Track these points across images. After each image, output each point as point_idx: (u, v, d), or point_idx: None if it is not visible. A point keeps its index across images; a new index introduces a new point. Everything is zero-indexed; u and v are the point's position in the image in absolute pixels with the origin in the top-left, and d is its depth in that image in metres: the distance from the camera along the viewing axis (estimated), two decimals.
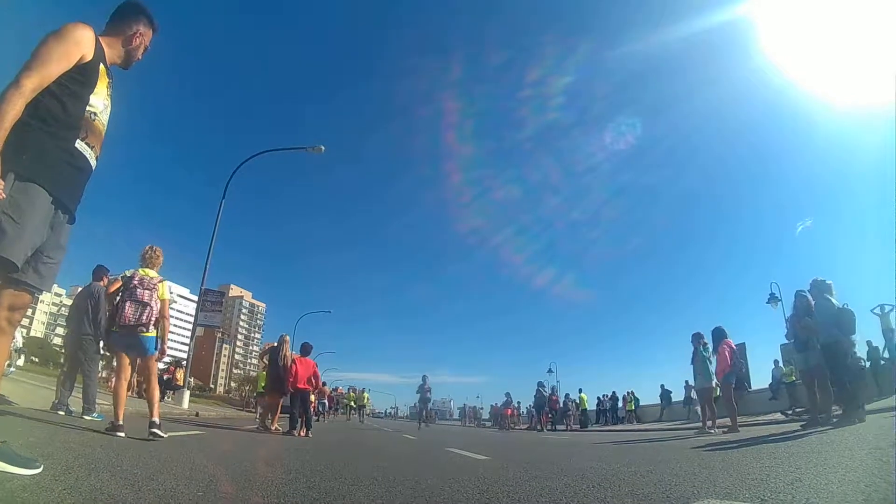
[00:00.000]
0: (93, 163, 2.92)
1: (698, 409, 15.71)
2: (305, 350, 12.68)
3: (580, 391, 32.32)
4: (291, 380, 11.91)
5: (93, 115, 2.85)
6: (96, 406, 8.78)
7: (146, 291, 6.36)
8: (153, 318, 6.32)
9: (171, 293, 6.80)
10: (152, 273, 6.64)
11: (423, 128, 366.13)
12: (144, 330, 6.26)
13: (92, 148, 2.87)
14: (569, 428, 28.74)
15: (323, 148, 24.54)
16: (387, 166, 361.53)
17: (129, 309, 6.25)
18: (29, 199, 2.54)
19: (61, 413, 8.17)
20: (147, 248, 6.88)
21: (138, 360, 6.55)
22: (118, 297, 6.47)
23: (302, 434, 11.10)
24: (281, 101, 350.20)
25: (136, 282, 6.41)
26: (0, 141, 2.34)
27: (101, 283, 9.26)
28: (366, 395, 38.80)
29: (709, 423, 12.51)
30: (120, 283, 6.62)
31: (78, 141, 2.78)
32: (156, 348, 6.50)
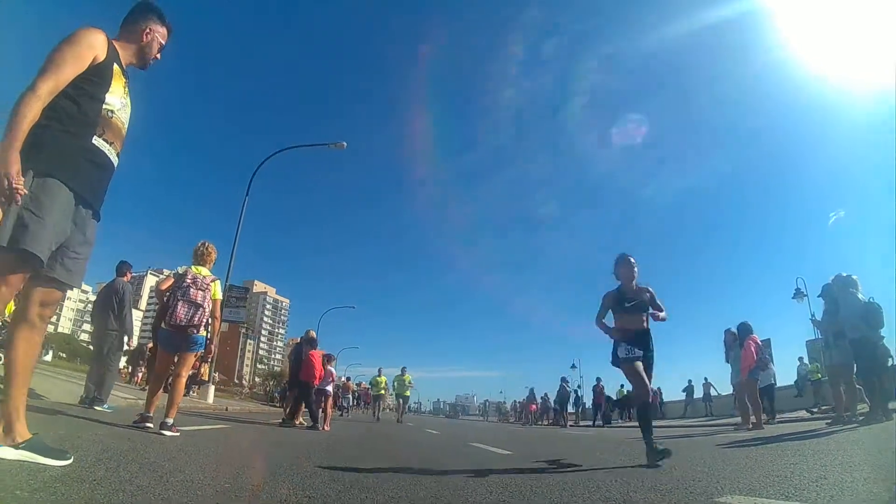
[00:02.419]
0: (113, 159, 2.97)
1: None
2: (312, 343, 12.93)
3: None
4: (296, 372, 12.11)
5: (110, 113, 2.91)
6: (109, 398, 8.85)
7: (199, 292, 6.20)
8: (205, 320, 6.22)
9: (222, 293, 6.62)
10: (205, 271, 6.53)
11: (458, 115, 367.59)
12: (195, 331, 6.23)
13: (111, 144, 2.93)
14: (594, 423, 28.46)
15: (345, 144, 24.52)
16: (409, 162, 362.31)
17: (181, 309, 6.08)
18: (48, 193, 2.61)
19: (98, 408, 8.29)
20: (200, 244, 6.77)
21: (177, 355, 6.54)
22: (169, 295, 6.42)
23: (326, 428, 11.21)
24: (304, 98, 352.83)
25: (189, 280, 6.23)
26: (18, 141, 2.42)
27: (125, 279, 9.37)
28: (407, 377, 23.96)
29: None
30: (172, 281, 6.45)
31: (95, 138, 2.84)
32: (203, 346, 6.49)
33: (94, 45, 2.84)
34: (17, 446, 2.67)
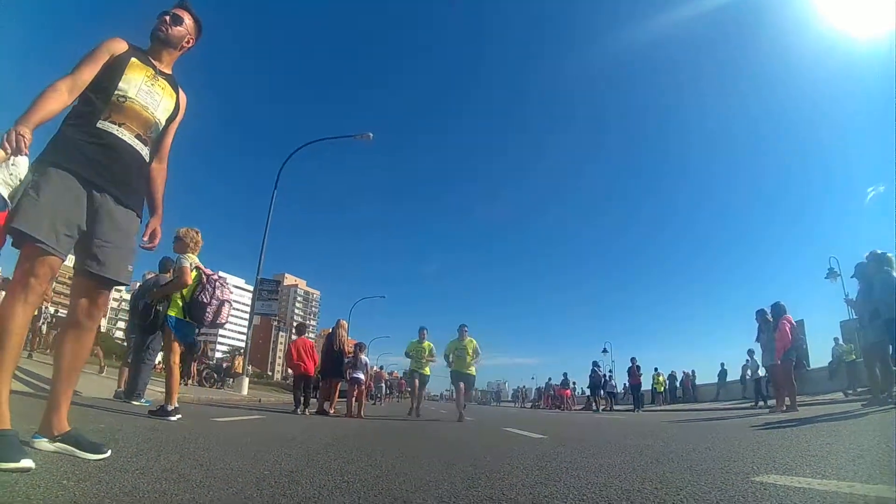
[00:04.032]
0: (127, 139, 2.97)
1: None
2: (300, 330, 13.33)
3: (656, 370, 31.91)
4: (296, 362, 12.33)
5: (121, 98, 2.95)
6: (146, 392, 9.06)
7: (216, 291, 6.61)
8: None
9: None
10: (198, 263, 6.85)
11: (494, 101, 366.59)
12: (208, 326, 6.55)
13: (120, 125, 2.94)
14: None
15: (371, 135, 24.61)
16: (441, 151, 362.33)
17: (210, 310, 6.56)
18: (46, 177, 2.67)
19: (135, 402, 8.47)
20: (195, 231, 6.98)
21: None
22: (212, 293, 6.64)
23: (360, 417, 11.33)
24: (335, 89, 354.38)
25: (217, 279, 6.66)
26: (32, 115, 2.55)
27: (168, 276, 9.53)
28: (471, 341, 13.27)
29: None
30: (195, 275, 6.75)
31: (101, 121, 2.88)
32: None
33: (110, 49, 3.01)
34: (54, 439, 2.75)
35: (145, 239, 3.36)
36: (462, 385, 12.86)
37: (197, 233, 6.93)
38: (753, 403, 18.72)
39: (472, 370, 13.24)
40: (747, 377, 21.19)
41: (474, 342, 13.28)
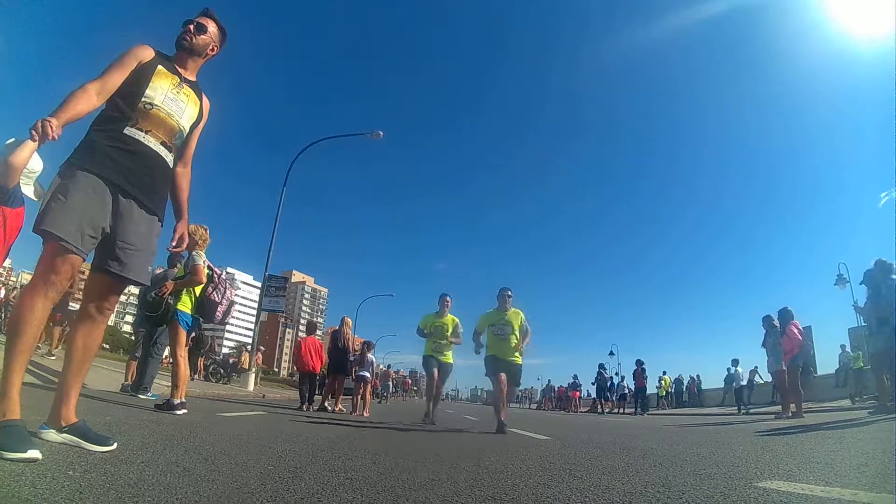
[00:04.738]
0: (153, 146, 3.04)
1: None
2: (310, 329, 13.36)
3: (664, 373, 31.85)
4: (306, 360, 12.44)
5: (148, 105, 3.02)
6: (152, 386, 9.14)
7: (227, 291, 6.70)
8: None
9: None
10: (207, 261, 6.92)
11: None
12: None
13: (146, 132, 3.00)
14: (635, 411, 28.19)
15: (381, 133, 24.62)
16: (450, 148, 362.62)
17: (220, 310, 6.75)
18: (74, 181, 2.73)
19: (141, 396, 8.52)
20: (204, 228, 7.02)
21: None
22: (210, 290, 6.73)
23: (366, 414, 11.38)
24: (348, 86, 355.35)
25: (224, 277, 6.73)
26: (62, 112, 2.60)
27: (174, 270, 9.59)
28: (516, 313, 8.86)
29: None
30: (206, 272, 6.85)
31: (128, 128, 2.95)
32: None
33: (137, 55, 3.07)
34: (62, 430, 2.79)
35: (173, 243, 3.45)
36: (503, 378, 8.40)
37: (206, 230, 6.99)
38: (737, 411, 19.57)
39: (518, 357, 8.69)
40: (737, 384, 21.61)
41: (521, 315, 8.88)
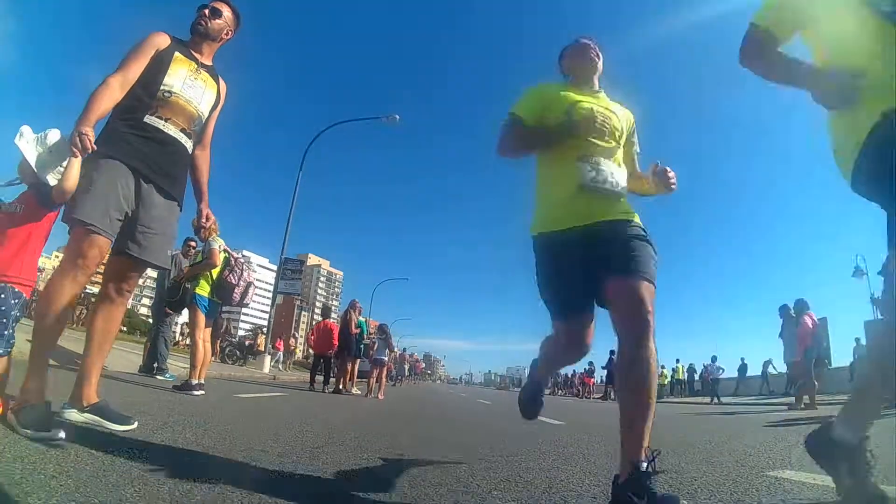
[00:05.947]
0: (173, 134, 3.06)
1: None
2: (325, 313, 13.48)
3: (677, 361, 31.85)
4: (317, 343, 12.60)
5: (167, 94, 3.02)
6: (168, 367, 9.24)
7: (244, 273, 6.76)
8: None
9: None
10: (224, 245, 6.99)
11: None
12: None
13: (166, 120, 3.02)
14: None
15: (398, 117, 24.44)
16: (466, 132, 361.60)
17: (238, 291, 6.75)
18: (98, 169, 2.77)
19: (160, 377, 8.62)
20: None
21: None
22: (240, 275, 6.80)
23: (380, 397, 11.45)
24: (366, 68, 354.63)
25: (241, 259, 6.80)
26: (90, 114, 2.67)
27: (190, 255, 9.65)
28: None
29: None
30: (223, 256, 6.93)
31: (148, 116, 2.96)
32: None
33: (154, 43, 3.06)
34: (83, 410, 2.81)
35: (203, 222, 3.53)
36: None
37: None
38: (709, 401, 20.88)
39: (631, 211, 2.50)
40: (713, 377, 23.48)
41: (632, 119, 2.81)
